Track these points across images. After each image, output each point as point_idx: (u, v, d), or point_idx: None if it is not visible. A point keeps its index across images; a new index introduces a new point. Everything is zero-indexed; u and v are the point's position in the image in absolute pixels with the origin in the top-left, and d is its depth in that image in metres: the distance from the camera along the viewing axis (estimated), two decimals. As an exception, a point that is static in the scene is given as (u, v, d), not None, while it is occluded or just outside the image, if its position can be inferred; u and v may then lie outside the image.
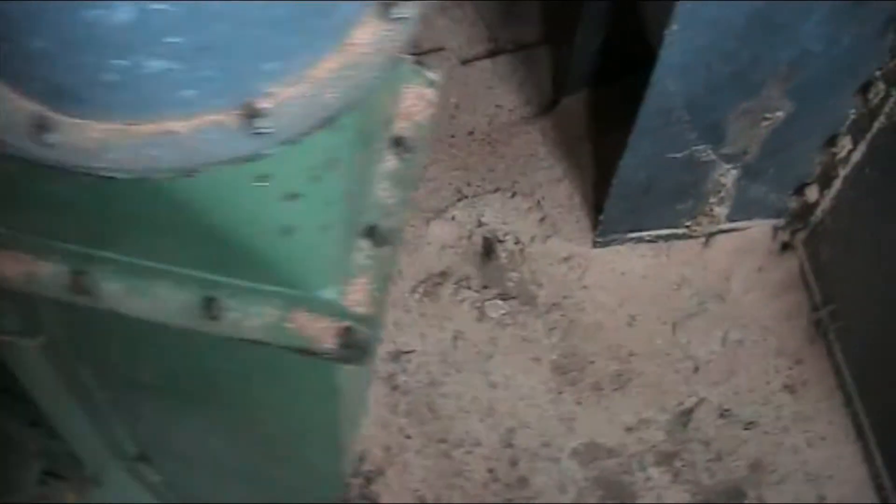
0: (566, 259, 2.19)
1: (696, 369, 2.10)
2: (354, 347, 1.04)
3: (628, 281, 2.19)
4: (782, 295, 2.17)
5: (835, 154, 2.01)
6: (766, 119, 1.94)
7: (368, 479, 1.96)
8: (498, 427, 2.03)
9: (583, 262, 2.19)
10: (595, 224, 2.20)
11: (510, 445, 2.01)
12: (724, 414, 2.07)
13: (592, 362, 2.10)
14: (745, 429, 2.06)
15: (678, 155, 2.00)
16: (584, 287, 2.17)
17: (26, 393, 1.40)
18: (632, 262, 2.20)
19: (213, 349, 1.16)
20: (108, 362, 1.29)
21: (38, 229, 1.03)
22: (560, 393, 2.07)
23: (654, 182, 2.06)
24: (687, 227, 2.20)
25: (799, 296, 2.16)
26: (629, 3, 1.96)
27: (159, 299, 1.05)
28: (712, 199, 2.12)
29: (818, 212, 2.11)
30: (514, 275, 2.16)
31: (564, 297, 2.16)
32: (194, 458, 1.57)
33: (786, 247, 2.22)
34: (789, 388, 2.09)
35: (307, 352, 1.05)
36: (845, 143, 1.98)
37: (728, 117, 1.93)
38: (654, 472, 2.01)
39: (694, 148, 1.99)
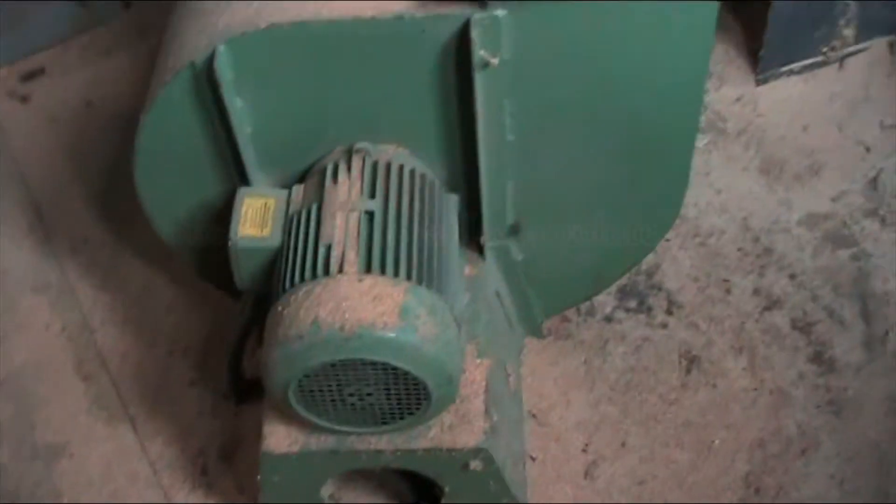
0: (738, 99, 2.75)
1: (868, 150, 2.64)
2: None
3: (791, 104, 2.74)
4: (915, 91, 2.73)
5: (933, -45, 2.60)
6: (880, -68, 2.53)
7: (650, 275, 2.45)
8: (735, 218, 2.53)
9: (751, 98, 2.75)
10: (754, 68, 2.77)
11: (748, 228, 2.51)
12: (902, 174, 2.59)
13: (787, 162, 2.62)
14: (924, 180, 2.57)
15: (816, -21, 2.58)
16: (759, 115, 2.72)
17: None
18: (789, 90, 2.77)
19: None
20: (538, 88, 1.79)
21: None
22: (771, 187, 2.58)
23: (798, 11, 2.63)
24: (823, 53, 2.76)
25: (929, 88, 2.72)
26: None
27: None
28: (841, 22, 2.70)
29: (926, 11, 2.69)
30: (702, 118, 2.71)
31: (747, 124, 2.71)
32: (559, 212, 2.04)
33: (903, 55, 2.79)
34: (947, 149, 2.63)
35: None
36: (938, -59, 2.57)
37: (851, -65, 2.52)
38: (865, 223, 2.51)
39: (827, -30, 2.57)
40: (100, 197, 2.74)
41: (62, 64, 3.07)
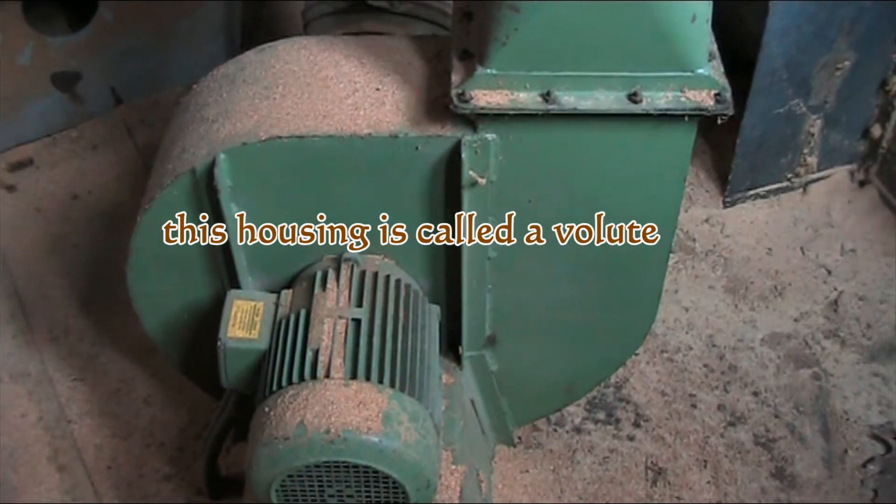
0: (706, 220, 2.87)
1: (829, 273, 2.76)
2: (725, 103, 1.70)
3: (756, 226, 2.87)
4: (872, 216, 2.87)
5: (888, 92, 2.76)
6: (838, 69, 2.69)
7: (618, 387, 2.53)
8: (700, 335, 2.63)
9: (720, 219, 2.88)
10: (722, 191, 2.90)
11: (714, 346, 2.61)
12: (861, 298, 2.70)
13: (752, 282, 2.74)
14: (881, 304, 2.69)
15: (781, 110, 2.72)
16: (727, 236, 2.84)
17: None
18: (755, 214, 2.89)
19: (617, 151, 1.78)
20: (520, 208, 1.88)
21: (518, 66, 1.68)
22: (736, 306, 2.69)
23: (765, 138, 2.78)
24: (788, 179, 2.90)
25: (885, 213, 2.87)
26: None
27: (599, 98, 1.70)
28: (805, 150, 2.84)
29: (883, 143, 2.84)
30: (672, 237, 2.82)
31: (715, 245, 2.82)
32: (535, 326, 2.12)
33: (863, 183, 2.93)
34: (902, 275, 2.75)
35: (697, 111, 1.70)
36: (895, 81, 2.74)
37: (813, 71, 2.68)
38: (826, 343, 2.61)
39: (791, 102, 2.72)
40: (81, 289, 2.79)
41: (51, 156, 3.15)
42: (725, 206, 2.89)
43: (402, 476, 1.70)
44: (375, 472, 1.69)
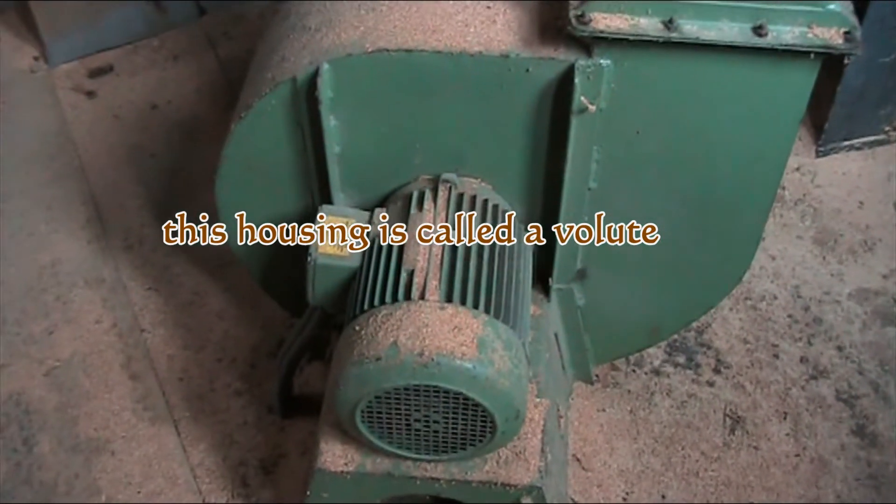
0: (797, 169, 2.79)
1: (922, 232, 2.67)
2: (854, 42, 1.61)
3: (849, 179, 2.78)
4: (970, 177, 2.77)
5: None
6: (951, 21, 2.57)
7: (700, 332, 2.47)
8: (787, 285, 2.55)
9: (811, 169, 2.79)
10: (816, 140, 2.80)
11: (799, 296, 2.54)
12: (954, 259, 2.62)
13: (842, 235, 2.65)
14: (975, 266, 2.60)
15: (886, 59, 2.62)
16: (818, 186, 2.76)
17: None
18: (847, 165, 2.80)
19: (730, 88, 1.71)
20: (627, 138, 1.82)
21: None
22: (824, 258, 2.61)
23: (866, 88, 2.67)
24: (885, 132, 2.80)
25: (983, 176, 2.76)
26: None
27: (723, 29, 1.62)
28: (907, 103, 2.73)
29: None
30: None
31: (804, 195, 2.74)
32: (626, 263, 2.05)
33: (962, 144, 2.83)
34: None
35: (825, 48, 1.61)
36: None
37: (924, 21, 2.56)
38: (915, 303, 2.53)
39: (897, 52, 2.61)
40: (157, 199, 2.77)
41: (131, 64, 3.12)
42: (818, 156, 2.80)
43: (492, 405, 1.66)
44: (466, 398, 1.65)
